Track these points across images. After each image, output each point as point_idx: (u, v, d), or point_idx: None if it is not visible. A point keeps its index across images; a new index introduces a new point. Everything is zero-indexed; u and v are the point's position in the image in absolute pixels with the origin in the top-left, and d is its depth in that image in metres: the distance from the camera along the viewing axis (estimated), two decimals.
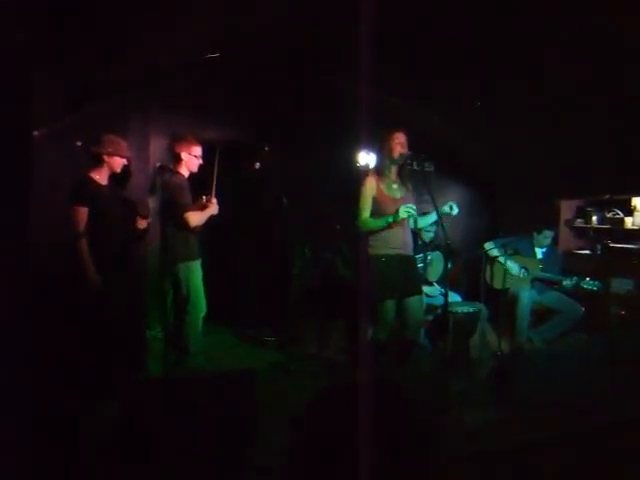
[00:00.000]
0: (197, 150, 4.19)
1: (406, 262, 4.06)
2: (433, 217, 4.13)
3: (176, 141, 4.22)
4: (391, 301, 3.99)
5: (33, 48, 3.11)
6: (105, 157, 3.82)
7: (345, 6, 2.84)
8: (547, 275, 5.21)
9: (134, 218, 4.18)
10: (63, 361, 3.57)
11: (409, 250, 4.12)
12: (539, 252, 5.39)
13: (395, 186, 4.08)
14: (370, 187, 4.01)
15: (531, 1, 3.21)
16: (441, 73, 4.45)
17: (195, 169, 4.19)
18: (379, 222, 3.97)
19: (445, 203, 4.00)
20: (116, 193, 3.98)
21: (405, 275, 4.02)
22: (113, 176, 3.92)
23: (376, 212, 4.00)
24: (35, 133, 3.88)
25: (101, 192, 3.80)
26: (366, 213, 4.01)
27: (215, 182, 4.24)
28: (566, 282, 5.06)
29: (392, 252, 3.98)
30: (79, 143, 4.22)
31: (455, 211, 3.99)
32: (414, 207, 3.92)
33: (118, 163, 3.87)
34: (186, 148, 4.15)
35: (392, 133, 3.99)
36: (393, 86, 4.76)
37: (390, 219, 3.91)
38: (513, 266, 5.24)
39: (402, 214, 3.87)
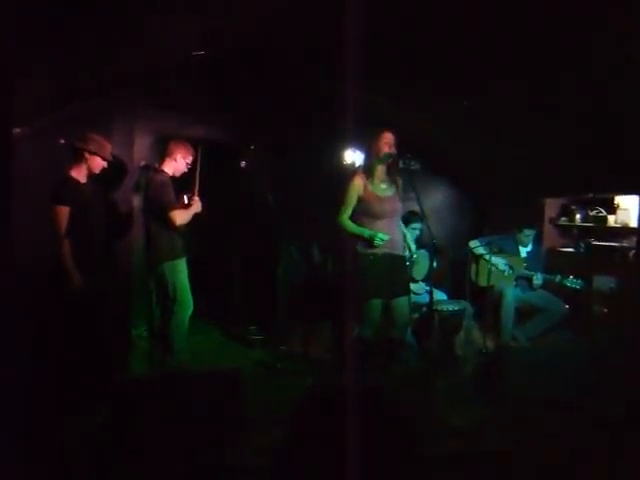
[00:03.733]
0: (190, 159, 4.20)
1: (394, 261, 4.06)
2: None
3: (175, 141, 4.20)
4: (378, 300, 4.00)
5: (17, 45, 3.08)
6: (87, 155, 3.78)
7: (332, 6, 2.83)
8: (531, 273, 5.26)
9: (116, 216, 4.16)
10: (46, 361, 3.54)
11: (398, 249, 4.13)
12: (523, 251, 5.44)
13: (383, 185, 4.08)
14: (357, 186, 4.01)
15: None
16: (428, 73, 4.46)
17: (179, 174, 4.20)
18: (355, 231, 3.99)
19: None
20: (98, 192, 3.94)
21: (392, 274, 4.02)
22: (98, 175, 3.88)
23: (364, 211, 4.00)
24: (17, 131, 3.84)
25: (82, 191, 3.76)
26: (347, 213, 4.02)
27: (198, 180, 4.23)
28: (536, 279, 5.13)
29: (379, 250, 3.98)
30: (62, 140, 4.18)
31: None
32: (387, 237, 3.94)
33: (98, 164, 3.82)
34: (183, 152, 4.16)
35: (380, 132, 4.00)
36: (380, 85, 4.76)
37: (365, 234, 3.94)
38: (499, 261, 5.29)
39: (376, 242, 3.90)
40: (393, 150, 3.98)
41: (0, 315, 3.11)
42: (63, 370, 3.54)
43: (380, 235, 3.91)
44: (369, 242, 3.94)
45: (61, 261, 3.61)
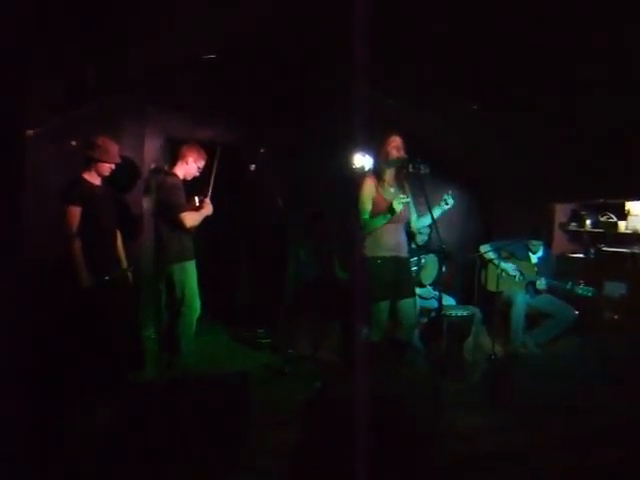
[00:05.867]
0: (202, 163, 4.21)
1: (400, 264, 4.08)
2: (428, 219, 4.12)
3: (188, 145, 4.21)
4: (385, 302, 4.00)
5: (29, 47, 3.10)
6: (93, 161, 3.80)
7: (342, 6, 2.84)
8: (536, 278, 5.22)
9: (127, 218, 4.17)
10: (56, 360, 3.56)
11: (403, 252, 4.14)
12: (533, 257, 5.41)
13: (392, 190, 4.08)
14: (369, 189, 4.02)
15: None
16: (438, 75, 4.46)
17: (190, 177, 4.20)
18: (380, 220, 3.97)
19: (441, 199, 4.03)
20: (110, 193, 3.96)
21: (399, 277, 4.03)
22: (110, 177, 3.90)
23: (373, 215, 4.00)
24: (30, 132, 3.87)
25: (94, 192, 3.79)
26: (367, 215, 4.02)
27: (213, 184, 4.23)
28: (539, 284, 5.11)
29: (387, 254, 4.00)
30: (74, 143, 4.21)
31: (450, 203, 4.02)
32: (406, 196, 3.95)
33: (105, 168, 3.84)
34: (195, 156, 4.17)
35: (388, 136, 4.00)
36: (390, 88, 4.77)
37: (388, 215, 3.92)
38: (508, 267, 5.27)
39: (397, 207, 3.88)
40: (402, 154, 3.98)
41: (10, 313, 3.14)
42: (71, 369, 3.56)
43: (395, 201, 3.88)
44: (393, 221, 3.94)
45: (71, 261, 3.63)
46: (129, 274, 4.08)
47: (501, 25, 3.47)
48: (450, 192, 4.05)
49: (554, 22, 3.29)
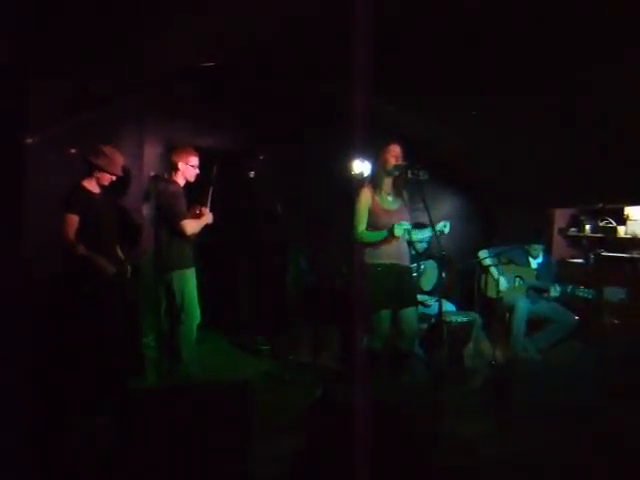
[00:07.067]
0: (194, 160, 4.20)
1: (401, 272, 4.07)
2: (427, 232, 4.14)
3: (173, 151, 4.21)
4: (386, 311, 3.99)
5: (30, 54, 3.11)
6: (96, 169, 3.81)
7: (342, 14, 2.85)
8: (545, 284, 5.23)
9: (126, 225, 4.18)
10: (56, 367, 3.56)
11: (405, 260, 4.13)
12: (534, 262, 5.41)
13: (390, 198, 4.08)
14: (365, 199, 4.01)
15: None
16: (436, 82, 4.47)
17: (192, 178, 4.20)
18: (376, 236, 3.98)
19: (440, 219, 4.02)
20: (109, 201, 3.97)
21: (400, 285, 4.02)
22: (108, 184, 3.91)
23: (371, 224, 4.00)
24: (30, 140, 3.88)
25: (93, 201, 3.79)
26: (362, 226, 4.01)
27: (211, 193, 4.23)
28: (554, 291, 5.12)
29: (388, 262, 3.99)
30: (73, 150, 4.22)
31: (447, 230, 4.01)
32: (408, 224, 3.94)
33: (107, 179, 3.85)
34: (184, 158, 4.15)
35: (387, 145, 4.00)
36: (389, 95, 4.77)
37: (386, 234, 3.92)
38: (503, 280, 5.27)
39: (397, 232, 3.88)
40: (400, 162, 3.97)
41: (11, 319, 3.14)
42: (71, 375, 3.56)
43: (396, 225, 3.88)
44: (390, 238, 3.92)
45: (85, 261, 3.65)
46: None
47: (501, 24, 3.47)
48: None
49: (554, 21, 3.30)
